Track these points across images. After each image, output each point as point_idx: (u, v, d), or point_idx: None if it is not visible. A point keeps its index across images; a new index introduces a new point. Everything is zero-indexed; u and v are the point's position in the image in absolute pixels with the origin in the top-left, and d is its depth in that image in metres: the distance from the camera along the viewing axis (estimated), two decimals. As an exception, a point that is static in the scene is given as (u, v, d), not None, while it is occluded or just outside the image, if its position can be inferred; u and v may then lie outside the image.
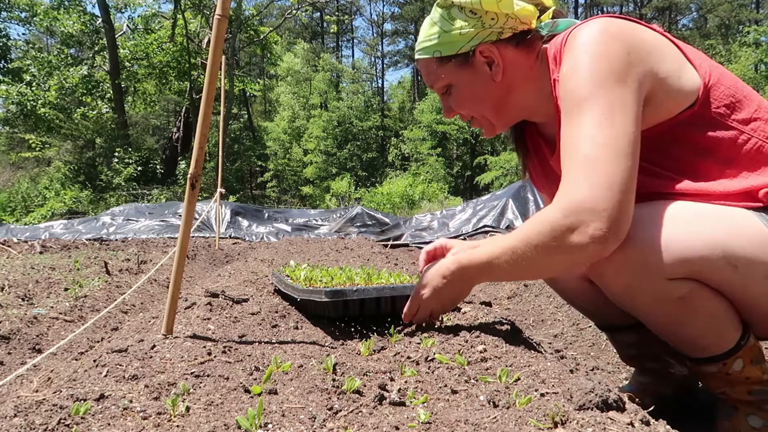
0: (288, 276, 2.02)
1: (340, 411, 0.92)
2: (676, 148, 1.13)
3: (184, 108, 21.37)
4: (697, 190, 1.10)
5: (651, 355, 1.44)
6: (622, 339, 1.46)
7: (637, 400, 1.10)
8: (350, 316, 1.63)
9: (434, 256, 1.42)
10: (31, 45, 21.94)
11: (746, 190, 1.08)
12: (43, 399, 0.94)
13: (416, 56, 1.32)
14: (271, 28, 23.53)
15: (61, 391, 0.99)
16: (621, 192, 0.99)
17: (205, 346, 1.26)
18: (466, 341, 1.29)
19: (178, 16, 18.79)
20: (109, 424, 0.85)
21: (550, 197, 1.48)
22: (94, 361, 1.19)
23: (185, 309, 1.75)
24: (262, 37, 21.48)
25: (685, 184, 1.11)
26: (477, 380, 1.05)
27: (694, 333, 1.12)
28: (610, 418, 0.81)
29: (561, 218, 1.02)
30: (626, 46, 1.07)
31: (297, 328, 1.65)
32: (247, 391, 1.01)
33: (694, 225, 1.03)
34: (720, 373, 1.16)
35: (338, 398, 0.99)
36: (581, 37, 1.11)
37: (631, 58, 1.07)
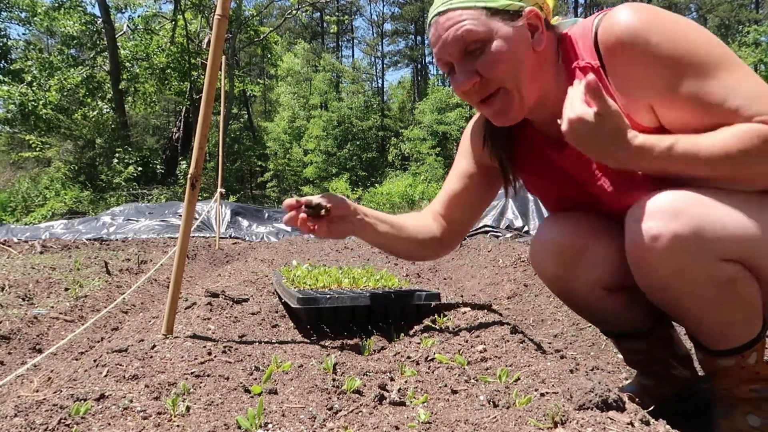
0: (284, 277, 2.02)
1: (340, 411, 0.92)
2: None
3: (184, 108, 21.38)
4: None
5: (656, 359, 1.43)
6: (630, 346, 1.44)
7: (636, 400, 1.10)
8: (325, 323, 1.60)
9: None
10: (32, 46, 21.93)
11: None
12: (44, 399, 0.94)
13: (444, 7, 1.18)
14: (271, 29, 23.54)
15: (61, 391, 0.99)
16: None
17: (205, 346, 1.26)
18: (466, 341, 1.29)
19: (179, 16, 18.80)
20: (109, 424, 0.86)
21: (551, 201, 1.43)
22: (95, 361, 1.19)
23: (185, 309, 1.75)
24: (262, 37, 21.49)
25: None
26: (477, 380, 1.05)
27: (728, 319, 1.13)
28: (610, 418, 0.81)
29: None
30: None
31: (297, 327, 1.65)
32: (247, 390, 1.01)
33: (745, 207, 1.05)
34: (735, 367, 1.17)
35: (338, 398, 0.99)
36: (643, 12, 1.09)
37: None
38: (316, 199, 1.33)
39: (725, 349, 1.17)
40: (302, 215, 1.32)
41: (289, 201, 1.34)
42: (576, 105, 1.10)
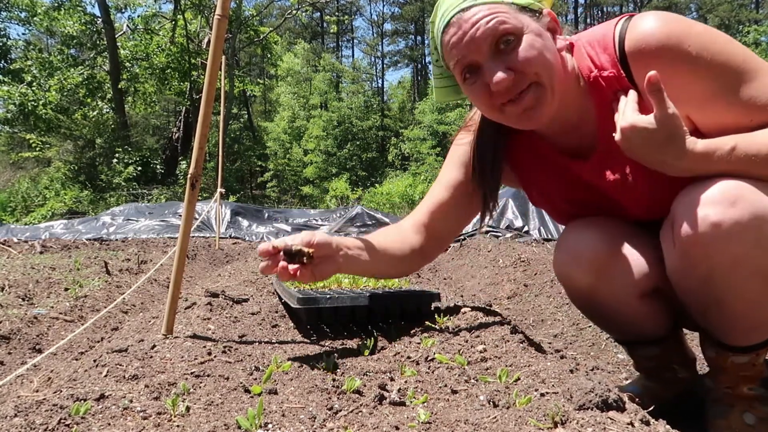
0: None
1: (340, 411, 0.92)
2: None
3: (184, 108, 21.40)
4: None
5: (667, 364, 1.42)
6: (644, 353, 1.42)
7: (636, 400, 1.10)
8: (325, 322, 1.61)
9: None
10: (32, 46, 21.96)
11: None
12: (44, 399, 0.94)
13: (469, 3, 1.11)
14: (271, 28, 23.54)
15: (61, 391, 0.99)
16: None
17: (205, 346, 1.26)
18: (466, 341, 1.29)
19: (179, 16, 18.81)
20: (109, 424, 0.86)
21: (563, 211, 1.40)
22: (94, 361, 1.19)
23: (185, 309, 1.75)
24: (262, 37, 21.50)
25: None
26: (477, 380, 1.05)
27: (764, 315, 1.13)
28: (610, 418, 0.81)
29: None
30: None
31: (297, 327, 1.65)
32: (247, 391, 1.01)
33: None
34: (747, 365, 1.18)
35: (338, 398, 0.99)
36: (675, 21, 1.09)
37: None
38: (296, 244, 1.17)
39: (747, 346, 1.17)
40: (281, 264, 1.17)
41: (264, 247, 1.18)
42: (627, 113, 1.09)
